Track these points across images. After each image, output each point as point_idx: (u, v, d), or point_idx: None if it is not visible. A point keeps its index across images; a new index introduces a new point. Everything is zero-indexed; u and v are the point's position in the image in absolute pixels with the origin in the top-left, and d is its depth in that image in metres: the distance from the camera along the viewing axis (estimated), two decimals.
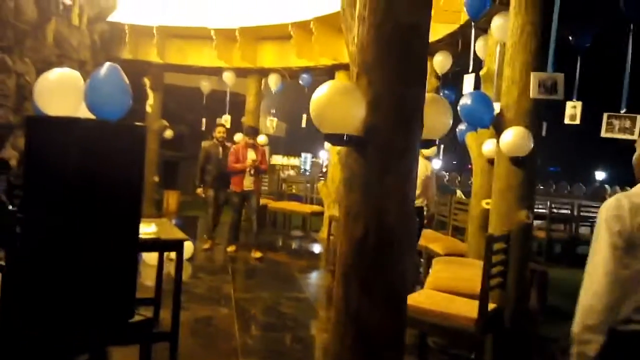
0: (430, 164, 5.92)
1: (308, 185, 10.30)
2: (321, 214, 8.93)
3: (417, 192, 5.67)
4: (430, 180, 5.69)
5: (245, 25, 8.64)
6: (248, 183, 6.82)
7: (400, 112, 1.99)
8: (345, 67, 8.39)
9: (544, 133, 4.87)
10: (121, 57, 9.41)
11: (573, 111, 3.85)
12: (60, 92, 2.60)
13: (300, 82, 9.18)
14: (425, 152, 8.40)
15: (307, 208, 8.99)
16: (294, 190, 10.95)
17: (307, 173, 13.63)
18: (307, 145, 14.23)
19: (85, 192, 2.51)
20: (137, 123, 2.84)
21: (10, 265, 2.58)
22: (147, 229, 3.41)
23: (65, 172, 2.48)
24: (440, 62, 6.76)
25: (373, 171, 1.98)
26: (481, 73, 5.33)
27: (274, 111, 9.57)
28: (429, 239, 5.85)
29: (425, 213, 5.66)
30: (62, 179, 2.49)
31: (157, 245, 3.44)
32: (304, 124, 9.33)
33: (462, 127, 5.73)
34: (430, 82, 7.07)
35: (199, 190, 7.25)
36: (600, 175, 36.75)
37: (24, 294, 2.52)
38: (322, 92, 1.99)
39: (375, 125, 1.97)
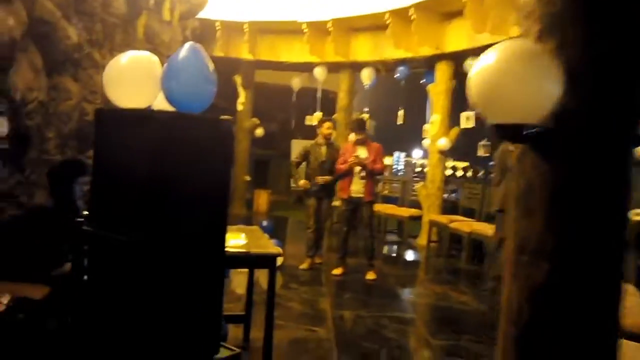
0: None
1: (400, 185, 9.55)
2: (419, 218, 8.18)
3: None
4: None
5: (337, 16, 8.09)
6: (357, 188, 5.60)
7: (614, 91, 1.29)
8: (448, 57, 7.61)
9: None
10: (213, 54, 9.26)
11: None
12: (134, 80, 2.14)
13: (396, 75, 8.50)
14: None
15: (404, 212, 8.27)
16: (386, 192, 10.26)
17: (400, 173, 12.88)
18: (399, 143, 13.47)
19: (161, 200, 2.04)
20: (224, 117, 2.33)
21: (76, 285, 2.17)
22: (235, 241, 2.93)
23: (137, 176, 2.02)
24: None
25: (567, 184, 1.30)
26: None
27: (367, 109, 8.90)
28: None
29: None
30: (135, 183, 2.04)
31: (248, 261, 2.93)
32: (400, 121, 8.62)
33: None
34: None
35: (302, 182, 5.93)
36: None
37: (90, 327, 2.09)
38: (491, 60, 1.33)
39: (573, 111, 1.28)
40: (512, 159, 4.87)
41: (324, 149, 5.95)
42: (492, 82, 1.31)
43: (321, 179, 5.78)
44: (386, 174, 10.15)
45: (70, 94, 4.50)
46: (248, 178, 10.01)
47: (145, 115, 2.08)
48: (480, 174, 11.70)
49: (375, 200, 5.81)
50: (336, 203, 6.41)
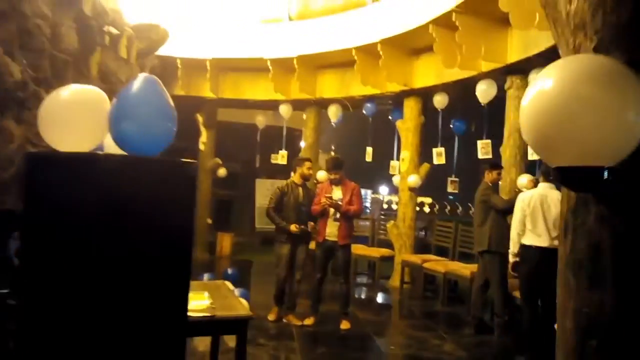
0: None
1: (369, 224, 9.23)
2: (391, 258, 7.88)
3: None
4: None
5: (303, 53, 7.92)
6: (331, 230, 5.25)
7: None
8: (416, 92, 7.50)
9: None
10: (174, 93, 8.91)
11: None
12: (76, 118, 1.79)
13: (363, 111, 8.34)
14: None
15: (376, 252, 7.96)
16: (355, 231, 9.95)
17: (368, 211, 12.64)
18: (366, 180, 13.29)
19: (108, 263, 1.66)
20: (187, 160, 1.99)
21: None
22: (198, 303, 2.53)
23: (79, 233, 1.65)
24: None
25: None
26: None
27: (334, 147, 8.67)
28: None
29: None
30: (76, 242, 1.66)
31: (213, 326, 2.53)
32: (369, 158, 8.40)
33: None
34: None
35: (294, 227, 5.26)
36: None
37: None
38: (552, 83, 1.03)
39: None
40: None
41: (301, 190, 5.46)
42: (555, 112, 1.00)
43: (296, 228, 5.34)
44: None
45: (12, 137, 4.06)
46: (210, 221, 9.54)
47: (89, 160, 1.72)
48: (447, 209, 11.60)
49: (350, 244, 5.45)
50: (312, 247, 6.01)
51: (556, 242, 4.43)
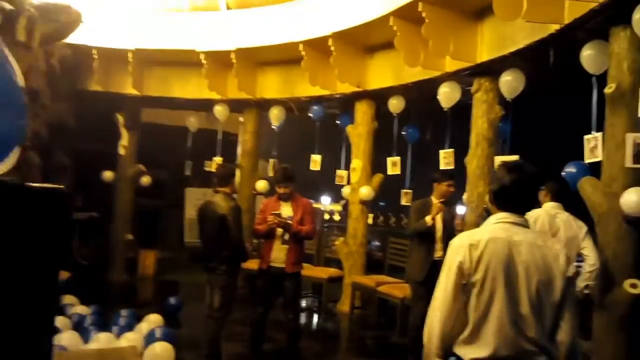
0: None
1: (314, 240, 8.25)
2: (340, 279, 7.04)
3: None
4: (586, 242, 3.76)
5: (243, 46, 6.95)
6: (278, 255, 4.30)
7: None
8: (370, 95, 6.74)
9: None
10: (89, 89, 7.66)
11: None
12: None
13: (310, 115, 7.47)
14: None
15: (322, 272, 7.08)
16: None
17: None
18: (307, 190, 12.43)
19: None
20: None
21: None
22: None
23: None
24: (510, 83, 5.08)
25: None
26: (607, 92, 3.65)
27: (275, 153, 7.78)
28: None
29: None
30: None
31: None
32: (315, 166, 7.53)
33: (572, 169, 4.02)
34: (494, 110, 5.38)
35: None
36: None
37: None
38: None
39: None
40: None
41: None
42: None
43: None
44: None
45: None
46: (131, 236, 8.30)
47: None
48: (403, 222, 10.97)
49: (300, 273, 4.53)
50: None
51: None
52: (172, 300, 5.82)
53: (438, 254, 4.50)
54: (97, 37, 7.18)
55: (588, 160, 3.93)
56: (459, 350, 1.88)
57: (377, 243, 9.94)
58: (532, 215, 3.85)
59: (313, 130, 7.60)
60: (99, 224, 8.30)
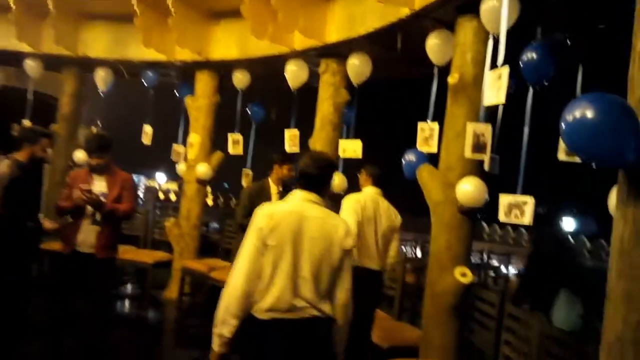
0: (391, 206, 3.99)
1: (141, 219, 7.41)
2: (168, 264, 6.43)
3: (375, 248, 3.77)
4: (397, 232, 3.91)
5: None
6: (86, 237, 3.60)
7: None
8: (213, 66, 6.20)
9: None
10: None
11: None
12: None
13: (143, 81, 6.67)
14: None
15: (147, 256, 6.38)
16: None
17: (141, 202, 10.78)
18: (140, 165, 11.37)
19: None
20: None
21: None
22: None
23: None
24: (357, 67, 4.96)
25: None
26: (450, 81, 3.64)
27: (99, 121, 6.83)
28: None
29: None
30: None
31: None
32: (146, 140, 6.77)
33: (411, 157, 3.99)
34: (340, 94, 5.25)
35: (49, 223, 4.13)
36: None
37: None
38: None
39: None
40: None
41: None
42: None
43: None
44: None
45: None
46: None
47: None
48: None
49: (114, 259, 3.85)
50: None
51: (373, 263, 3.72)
52: None
53: None
54: None
55: (421, 149, 3.92)
56: (254, 309, 2.15)
57: (215, 225, 9.44)
58: (357, 199, 3.75)
59: (147, 99, 6.82)
60: None
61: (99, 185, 3.64)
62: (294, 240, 2.15)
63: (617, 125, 1.73)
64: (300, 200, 2.26)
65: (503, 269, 9.80)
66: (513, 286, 5.38)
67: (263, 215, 2.18)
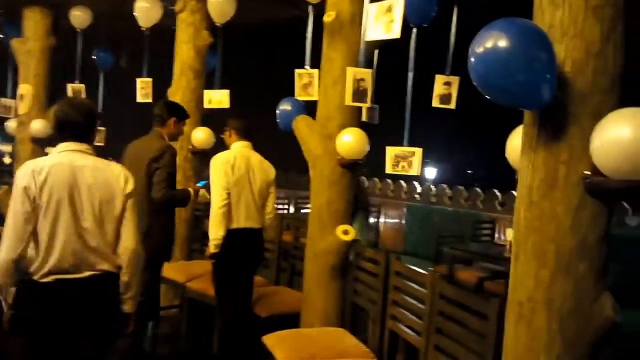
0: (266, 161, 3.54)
1: None
2: None
3: (253, 206, 3.34)
4: (273, 186, 3.52)
5: None
6: None
7: None
8: (44, 1, 5.17)
9: None
10: None
11: None
12: None
13: None
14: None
15: None
16: None
17: None
18: None
19: None
20: None
21: None
22: None
23: None
24: (219, 4, 4.37)
25: None
26: (325, 20, 3.26)
27: None
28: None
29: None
30: None
31: None
32: None
33: (287, 106, 3.61)
34: (201, 36, 4.63)
35: None
36: None
37: None
38: None
39: None
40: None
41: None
42: None
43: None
44: None
45: None
46: None
47: None
48: None
49: None
50: None
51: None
52: None
53: None
54: None
55: (300, 97, 3.57)
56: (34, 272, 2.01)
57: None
58: (226, 159, 3.29)
59: None
60: None
61: None
62: (70, 193, 2.00)
63: (534, 56, 1.48)
64: (67, 151, 2.07)
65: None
66: None
67: (26, 174, 1.98)
